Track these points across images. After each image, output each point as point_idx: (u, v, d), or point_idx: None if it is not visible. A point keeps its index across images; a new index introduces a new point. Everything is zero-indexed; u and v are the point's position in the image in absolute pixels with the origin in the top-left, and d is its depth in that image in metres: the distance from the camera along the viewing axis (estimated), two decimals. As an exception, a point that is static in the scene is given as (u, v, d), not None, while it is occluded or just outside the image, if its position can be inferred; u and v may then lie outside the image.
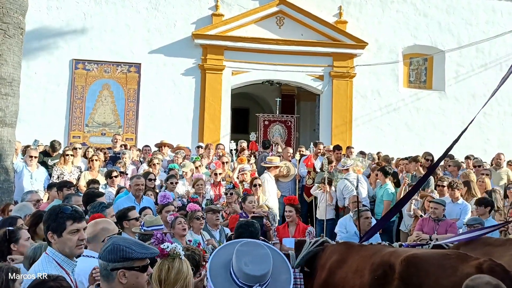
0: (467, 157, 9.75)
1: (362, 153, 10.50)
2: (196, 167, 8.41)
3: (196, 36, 12.29)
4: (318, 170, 8.93)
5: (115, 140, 9.93)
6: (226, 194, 7.07)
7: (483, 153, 11.72)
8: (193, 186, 7.46)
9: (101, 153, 8.68)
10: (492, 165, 9.18)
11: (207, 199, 7.39)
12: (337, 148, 9.83)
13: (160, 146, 9.98)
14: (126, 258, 2.30)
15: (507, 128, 13.44)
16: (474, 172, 8.24)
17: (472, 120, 3.95)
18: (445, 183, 7.20)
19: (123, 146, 9.92)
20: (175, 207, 5.69)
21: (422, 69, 13.65)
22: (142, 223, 4.53)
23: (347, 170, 8.41)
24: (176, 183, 7.62)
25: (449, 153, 9.33)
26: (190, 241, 4.74)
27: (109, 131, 11.95)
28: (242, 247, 2.87)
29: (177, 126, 12.19)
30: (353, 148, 10.96)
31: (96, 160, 8.02)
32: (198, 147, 10.33)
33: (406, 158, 9.08)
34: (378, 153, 11.03)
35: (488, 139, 13.26)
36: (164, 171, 8.59)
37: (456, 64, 13.46)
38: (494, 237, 5.20)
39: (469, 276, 2.51)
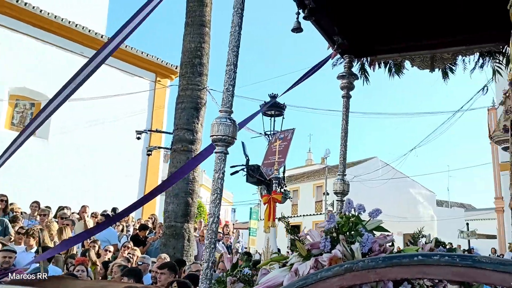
0: (59, 208, 9.85)
1: None
2: None
3: None
4: None
5: None
6: None
7: (77, 203, 12.13)
8: None
9: None
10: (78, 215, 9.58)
11: None
12: None
13: None
14: None
15: (102, 181, 14.48)
16: (58, 222, 8.38)
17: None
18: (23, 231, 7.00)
19: None
20: None
21: (28, 113, 13.23)
22: None
23: None
24: None
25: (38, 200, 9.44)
26: None
27: None
28: None
29: None
30: None
31: None
32: None
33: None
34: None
35: (84, 189, 13.86)
36: None
37: (65, 116, 13.75)
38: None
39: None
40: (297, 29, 2.97)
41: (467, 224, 19.05)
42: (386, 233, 1.83)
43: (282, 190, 9.00)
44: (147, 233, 9.77)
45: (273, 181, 7.95)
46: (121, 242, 8.71)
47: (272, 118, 8.98)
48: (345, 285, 1.55)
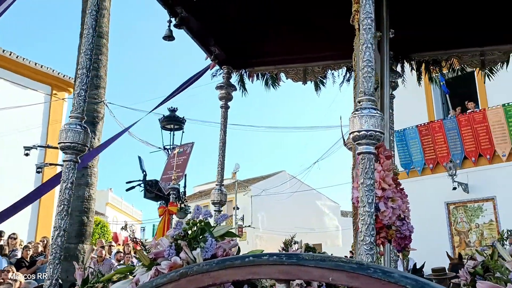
0: None
1: None
2: None
3: None
4: None
5: None
6: None
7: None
8: None
9: None
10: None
11: None
12: None
13: None
14: None
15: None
16: None
17: None
18: None
19: None
20: None
21: None
22: None
23: None
24: None
25: None
26: None
27: None
28: None
29: None
30: None
31: None
32: None
33: None
34: None
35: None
36: None
37: None
38: None
39: None
40: (169, 37, 2.95)
41: (366, 232, 20.19)
42: (231, 238, 1.83)
43: (183, 205, 8.86)
44: (31, 253, 8.99)
45: (171, 193, 7.75)
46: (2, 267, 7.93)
47: (172, 132, 8.84)
48: (181, 291, 1.51)
